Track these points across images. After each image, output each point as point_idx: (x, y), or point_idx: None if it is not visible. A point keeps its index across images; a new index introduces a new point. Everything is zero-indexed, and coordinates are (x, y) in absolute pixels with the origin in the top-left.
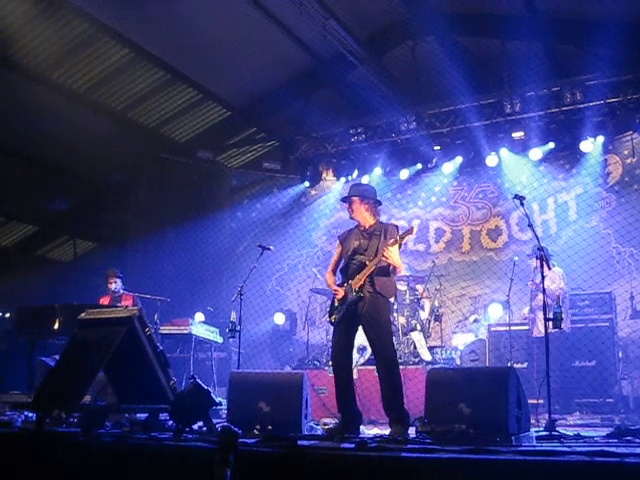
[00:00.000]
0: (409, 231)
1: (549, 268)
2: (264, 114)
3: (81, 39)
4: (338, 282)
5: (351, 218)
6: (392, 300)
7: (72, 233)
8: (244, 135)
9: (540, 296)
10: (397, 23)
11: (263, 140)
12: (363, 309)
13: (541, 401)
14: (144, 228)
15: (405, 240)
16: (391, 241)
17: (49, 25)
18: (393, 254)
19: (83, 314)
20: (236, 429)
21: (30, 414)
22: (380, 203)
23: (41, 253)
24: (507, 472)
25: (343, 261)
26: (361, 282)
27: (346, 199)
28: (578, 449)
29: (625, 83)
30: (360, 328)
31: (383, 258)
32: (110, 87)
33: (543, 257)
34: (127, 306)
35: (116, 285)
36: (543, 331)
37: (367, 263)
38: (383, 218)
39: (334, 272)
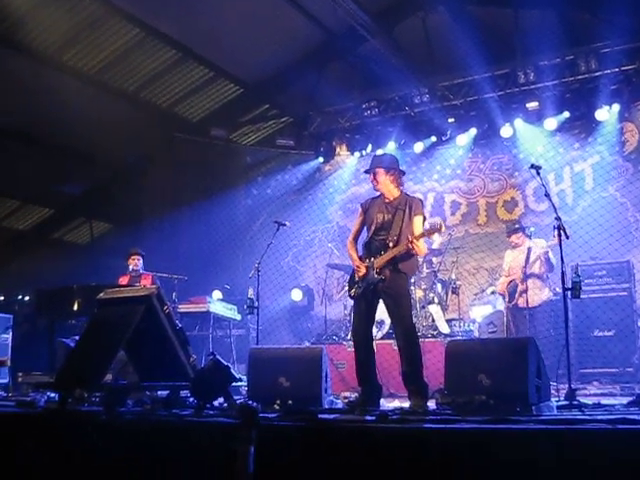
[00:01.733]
0: (438, 229)
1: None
2: (276, 90)
3: (90, 20)
4: (359, 254)
5: (375, 190)
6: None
7: (88, 215)
8: (257, 112)
9: (535, 266)
10: None
11: (276, 116)
12: (384, 284)
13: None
14: (159, 208)
15: (432, 236)
16: (418, 232)
17: (57, 7)
18: (418, 245)
19: (102, 294)
20: (254, 404)
21: (52, 394)
22: (404, 173)
23: (58, 236)
24: (529, 441)
25: (366, 235)
26: (383, 264)
27: (370, 171)
28: (599, 417)
29: None
30: (380, 301)
31: (407, 248)
32: (122, 68)
33: (561, 226)
34: (145, 285)
35: (138, 264)
36: (537, 300)
37: (390, 245)
38: None
39: (356, 240)
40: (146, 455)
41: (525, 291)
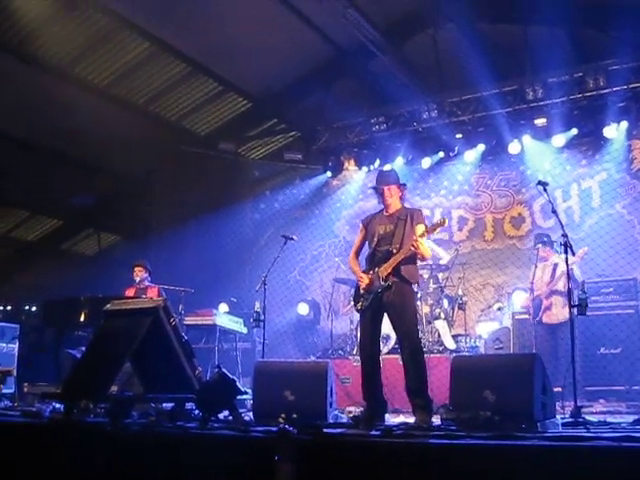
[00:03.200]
0: (441, 223)
1: (573, 254)
2: (285, 105)
3: (102, 33)
4: (362, 269)
5: (385, 204)
6: (416, 288)
7: (96, 227)
8: (265, 126)
9: (560, 282)
10: (417, 11)
11: (284, 131)
12: (389, 297)
13: (559, 389)
14: (167, 220)
15: (436, 231)
16: (421, 232)
17: (70, 20)
18: (422, 245)
19: (109, 305)
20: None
21: (58, 405)
22: (406, 186)
23: (66, 247)
24: (533, 458)
25: (368, 249)
26: (388, 271)
27: (381, 186)
28: (605, 435)
29: None
30: (385, 316)
31: (412, 248)
32: (131, 81)
33: (567, 243)
34: (151, 297)
35: (142, 276)
36: (560, 317)
37: (394, 252)
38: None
39: (357, 256)
40: (151, 467)
41: (549, 307)
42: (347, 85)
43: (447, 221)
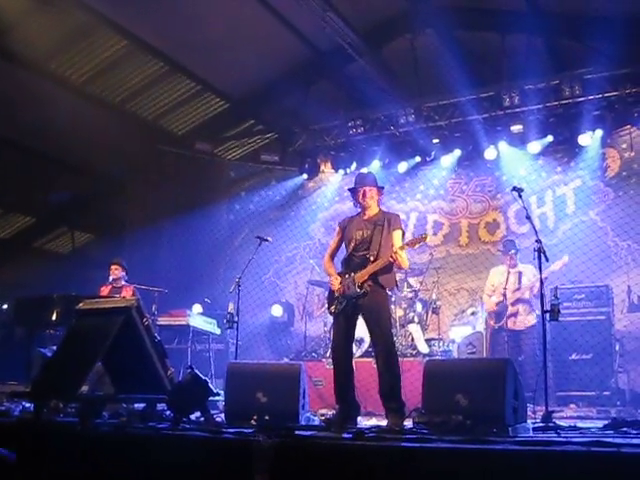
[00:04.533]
0: (422, 238)
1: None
2: (262, 106)
3: (80, 30)
4: (338, 272)
5: (364, 206)
6: (390, 292)
7: (70, 225)
8: (242, 127)
9: (526, 291)
10: (396, 16)
11: (261, 132)
12: (365, 301)
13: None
14: (142, 220)
15: (416, 246)
16: (400, 245)
17: (47, 15)
18: (401, 257)
19: (81, 304)
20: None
21: (28, 404)
22: (384, 189)
23: (39, 245)
24: (504, 462)
25: (345, 252)
26: (364, 278)
27: (359, 188)
28: (575, 439)
29: (624, 77)
30: (360, 319)
31: (391, 259)
32: (108, 78)
33: (541, 249)
34: (125, 297)
35: (119, 274)
36: (526, 323)
37: (371, 259)
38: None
39: (332, 258)
40: (121, 467)
41: (515, 314)
42: (325, 88)
43: (428, 237)
